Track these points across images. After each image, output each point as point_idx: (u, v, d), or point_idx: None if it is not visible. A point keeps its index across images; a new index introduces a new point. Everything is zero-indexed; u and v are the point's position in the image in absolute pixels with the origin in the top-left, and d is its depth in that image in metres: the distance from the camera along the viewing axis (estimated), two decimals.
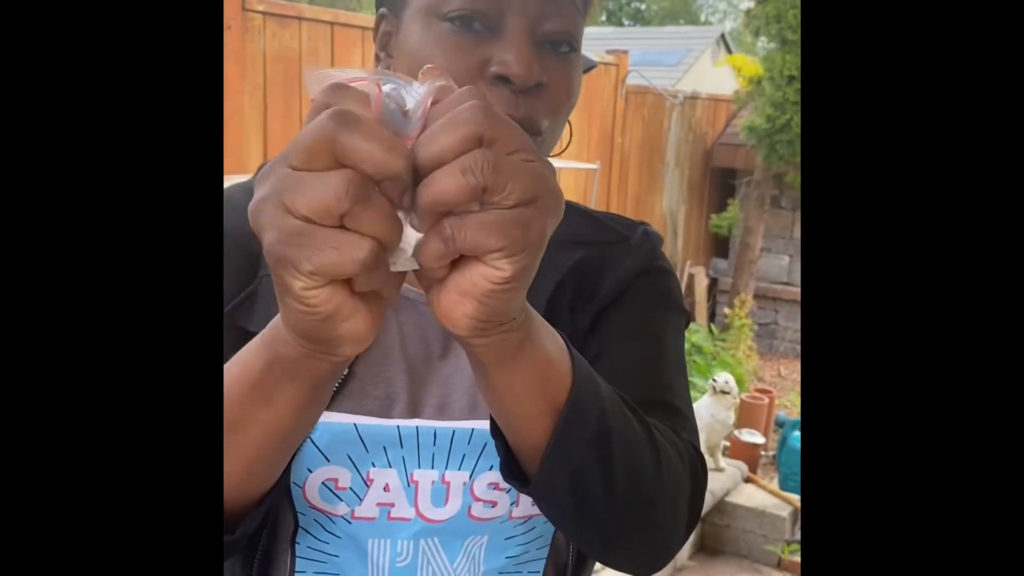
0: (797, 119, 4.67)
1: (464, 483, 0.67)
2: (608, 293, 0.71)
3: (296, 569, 0.68)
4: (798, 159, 4.76)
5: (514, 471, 0.55)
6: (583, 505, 0.55)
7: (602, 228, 0.76)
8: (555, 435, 0.51)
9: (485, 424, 0.64)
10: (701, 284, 5.59)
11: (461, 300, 0.41)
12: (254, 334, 0.49)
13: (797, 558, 3.20)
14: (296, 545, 0.68)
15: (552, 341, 0.51)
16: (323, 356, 0.43)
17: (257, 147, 2.68)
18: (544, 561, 0.73)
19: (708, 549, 3.33)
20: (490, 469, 0.67)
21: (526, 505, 0.69)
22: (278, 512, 0.67)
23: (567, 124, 0.74)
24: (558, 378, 0.51)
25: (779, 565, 3.23)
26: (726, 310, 4.84)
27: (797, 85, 4.69)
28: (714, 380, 3.35)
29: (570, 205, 0.81)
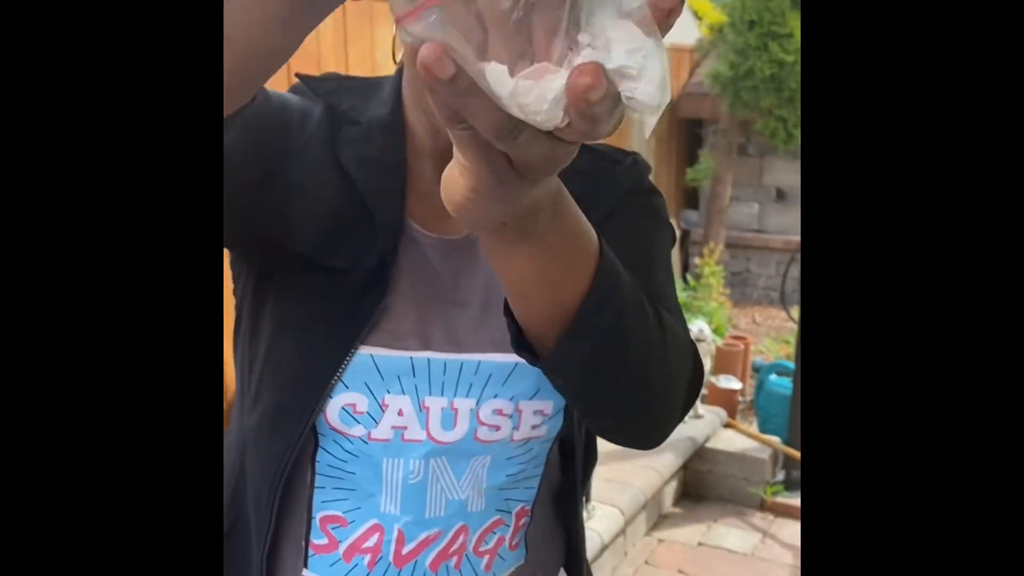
0: (760, 64, 4.66)
1: (471, 409, 0.74)
2: (601, 209, 0.75)
3: (316, 485, 0.76)
4: (762, 104, 4.75)
5: (524, 345, 0.56)
6: (592, 386, 0.59)
7: (596, 155, 0.82)
8: (565, 333, 0.53)
9: (491, 357, 0.74)
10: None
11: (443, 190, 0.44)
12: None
13: (780, 499, 3.25)
14: (316, 463, 0.76)
15: (570, 240, 0.51)
16: None
17: None
18: (539, 478, 0.81)
19: (692, 495, 3.38)
20: (494, 397, 0.74)
21: (526, 428, 0.76)
22: (300, 436, 0.73)
23: None
24: (571, 278, 0.52)
25: (762, 506, 3.27)
26: (696, 260, 4.86)
27: (758, 30, 4.67)
28: None
29: None
